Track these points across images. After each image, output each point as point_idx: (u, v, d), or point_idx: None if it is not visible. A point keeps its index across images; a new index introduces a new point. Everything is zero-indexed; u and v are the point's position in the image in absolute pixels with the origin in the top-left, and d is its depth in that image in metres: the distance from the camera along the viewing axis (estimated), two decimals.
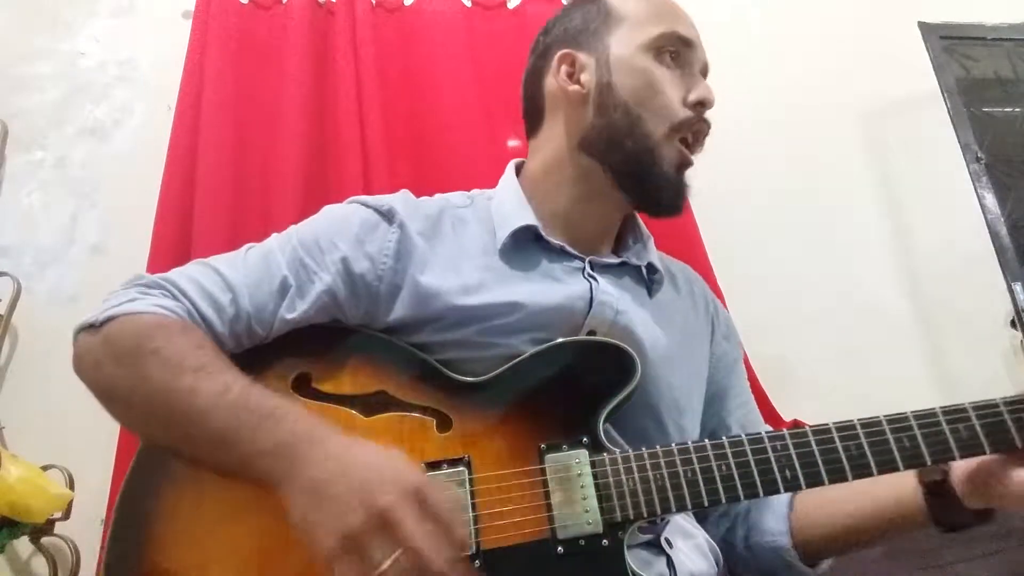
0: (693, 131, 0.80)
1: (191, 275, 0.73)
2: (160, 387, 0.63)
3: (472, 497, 0.63)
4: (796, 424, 1.52)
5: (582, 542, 0.62)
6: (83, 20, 1.68)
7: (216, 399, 0.61)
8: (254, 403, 0.61)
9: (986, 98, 1.86)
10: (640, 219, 0.90)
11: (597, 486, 0.64)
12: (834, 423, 0.65)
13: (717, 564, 0.79)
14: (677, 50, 0.81)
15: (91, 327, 0.68)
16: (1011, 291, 1.62)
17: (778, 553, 0.79)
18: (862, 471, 0.63)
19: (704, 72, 0.84)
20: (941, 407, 0.64)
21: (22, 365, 1.38)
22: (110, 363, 0.66)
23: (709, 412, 0.87)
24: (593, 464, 0.65)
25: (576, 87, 0.82)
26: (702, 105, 0.79)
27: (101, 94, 1.63)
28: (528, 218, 0.80)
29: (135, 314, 0.68)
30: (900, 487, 0.71)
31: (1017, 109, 1.89)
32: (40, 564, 1.25)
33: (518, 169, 0.90)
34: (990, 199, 1.70)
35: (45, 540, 1.22)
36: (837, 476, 0.63)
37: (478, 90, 1.61)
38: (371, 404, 0.69)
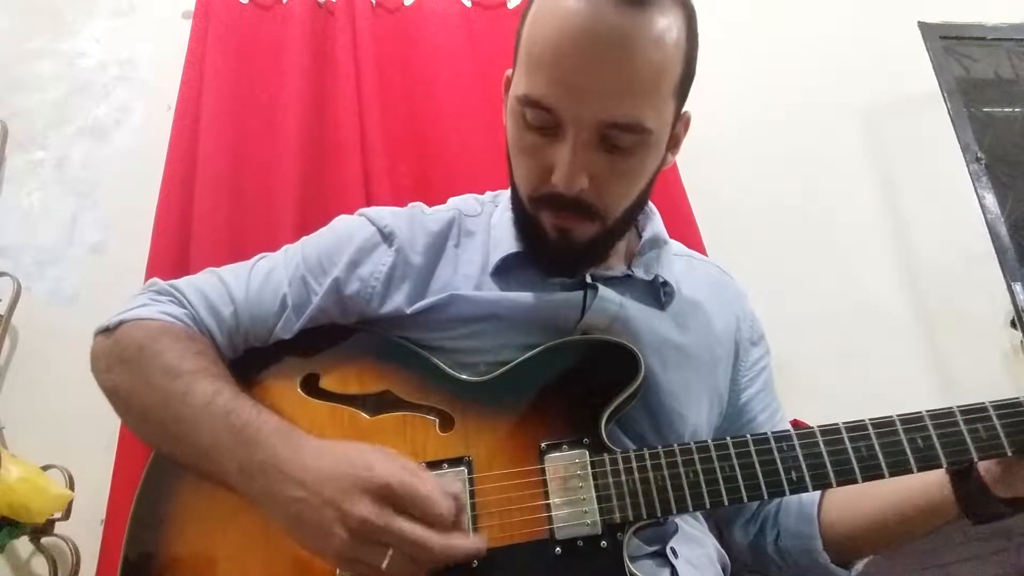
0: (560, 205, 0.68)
1: (198, 285, 0.77)
2: (158, 389, 0.66)
3: (472, 497, 0.63)
4: (796, 424, 1.52)
5: (580, 543, 0.61)
6: (83, 20, 1.68)
7: (202, 408, 0.64)
8: (233, 419, 0.63)
9: (986, 98, 1.85)
10: (659, 226, 0.84)
11: (596, 487, 0.63)
12: (844, 423, 0.63)
13: (724, 572, 0.78)
14: (540, 125, 0.65)
15: (106, 331, 0.73)
16: (1011, 291, 1.62)
17: (810, 555, 0.78)
18: (872, 473, 0.61)
19: (587, 127, 0.63)
20: (959, 406, 0.62)
21: (22, 365, 1.38)
22: (117, 365, 0.70)
23: (736, 426, 0.86)
24: (593, 464, 0.64)
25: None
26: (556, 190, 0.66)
27: (101, 94, 1.63)
28: (516, 245, 0.76)
29: (143, 319, 0.72)
30: (926, 478, 0.67)
31: (1017, 109, 1.89)
32: (40, 564, 1.25)
33: None
34: (990, 199, 1.70)
35: (45, 540, 1.22)
36: (845, 478, 0.61)
37: (478, 90, 1.60)
38: (377, 404, 0.70)
